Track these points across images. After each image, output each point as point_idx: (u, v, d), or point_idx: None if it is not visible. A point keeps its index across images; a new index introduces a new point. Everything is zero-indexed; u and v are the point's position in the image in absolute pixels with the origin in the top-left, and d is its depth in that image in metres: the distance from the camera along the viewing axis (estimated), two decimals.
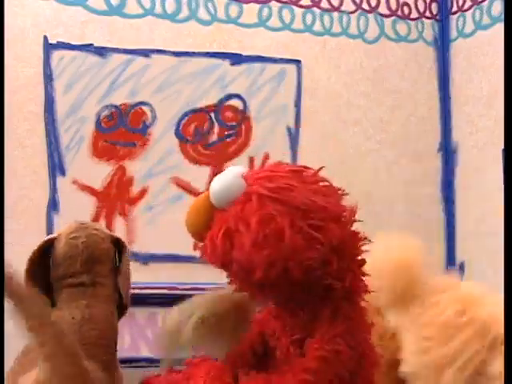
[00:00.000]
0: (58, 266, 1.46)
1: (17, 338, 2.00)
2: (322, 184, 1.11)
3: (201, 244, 1.14)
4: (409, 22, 2.58)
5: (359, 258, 1.13)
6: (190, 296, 1.43)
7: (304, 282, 1.06)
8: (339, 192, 1.13)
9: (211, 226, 1.09)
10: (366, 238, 1.13)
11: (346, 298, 1.09)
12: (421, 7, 2.60)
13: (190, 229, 1.15)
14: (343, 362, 1.04)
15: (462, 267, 2.42)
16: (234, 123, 2.35)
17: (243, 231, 1.03)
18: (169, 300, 2.05)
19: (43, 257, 1.48)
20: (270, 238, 1.02)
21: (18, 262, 2.08)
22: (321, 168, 1.14)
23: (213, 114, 2.33)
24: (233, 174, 1.12)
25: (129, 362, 1.91)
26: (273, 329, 1.15)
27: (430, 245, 2.44)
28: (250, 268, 1.03)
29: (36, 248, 1.49)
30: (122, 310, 1.47)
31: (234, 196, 1.08)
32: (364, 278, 1.13)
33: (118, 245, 1.51)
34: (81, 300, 1.41)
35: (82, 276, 1.42)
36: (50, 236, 1.51)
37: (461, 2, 2.53)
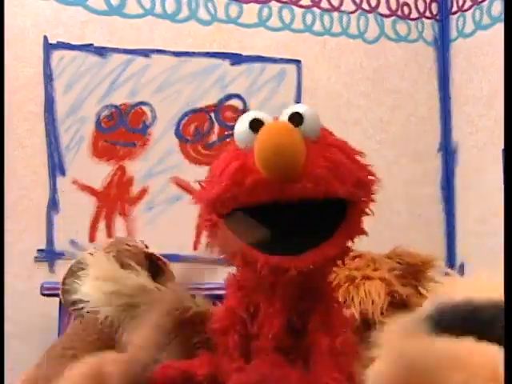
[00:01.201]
0: None
1: (17, 338, 2.02)
2: None
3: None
4: (409, 21, 2.58)
5: None
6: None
7: None
8: None
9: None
10: None
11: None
12: (421, 7, 2.60)
13: (296, 162, 0.95)
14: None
15: (462, 267, 2.42)
16: (233, 123, 2.34)
17: (358, 155, 1.09)
18: None
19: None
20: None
21: (18, 261, 2.09)
22: None
23: (213, 114, 2.33)
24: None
25: None
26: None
27: (430, 245, 2.46)
28: None
29: (76, 260, 1.55)
30: None
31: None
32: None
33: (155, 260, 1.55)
34: None
35: None
36: (89, 251, 1.56)
37: (461, 2, 2.53)
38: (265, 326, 1.04)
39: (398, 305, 1.56)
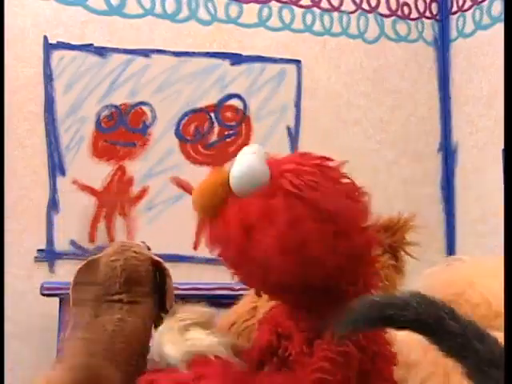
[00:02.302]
0: (100, 283, 1.51)
1: (17, 338, 2.02)
2: (344, 181, 1.06)
3: (206, 229, 1.07)
4: (409, 21, 2.58)
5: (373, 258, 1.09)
6: (191, 296, 1.44)
7: (321, 288, 1.02)
8: (359, 190, 1.08)
9: (224, 212, 1.01)
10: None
11: (356, 297, 1.07)
12: (421, 7, 2.60)
13: (199, 208, 1.06)
14: (351, 364, 1.03)
15: None
16: (233, 123, 2.35)
17: (267, 230, 0.97)
18: None
19: (90, 272, 1.53)
20: (295, 244, 0.97)
21: (18, 261, 2.09)
22: (344, 162, 1.07)
23: (213, 114, 2.33)
24: (259, 160, 1.03)
25: None
26: (286, 327, 1.10)
27: (430, 245, 2.46)
28: (266, 270, 0.98)
29: (81, 265, 1.55)
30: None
31: (257, 186, 1.00)
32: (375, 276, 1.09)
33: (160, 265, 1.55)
34: (116, 314, 1.45)
35: (121, 295, 1.46)
36: (96, 256, 1.56)
37: (461, 2, 2.53)
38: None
39: None
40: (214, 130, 2.33)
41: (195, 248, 2.23)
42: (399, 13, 2.57)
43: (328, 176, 1.03)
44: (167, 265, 2.16)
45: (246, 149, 1.07)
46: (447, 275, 1.39)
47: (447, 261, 1.46)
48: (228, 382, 1.04)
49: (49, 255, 2.14)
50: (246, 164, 1.02)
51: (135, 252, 1.54)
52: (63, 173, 2.19)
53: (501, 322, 1.16)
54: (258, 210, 0.99)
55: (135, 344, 1.43)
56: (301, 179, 1.00)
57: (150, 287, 1.50)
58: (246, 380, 1.05)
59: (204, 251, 2.33)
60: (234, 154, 2.36)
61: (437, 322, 0.83)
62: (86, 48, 2.23)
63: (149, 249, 1.76)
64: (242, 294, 1.46)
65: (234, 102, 2.35)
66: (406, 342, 1.10)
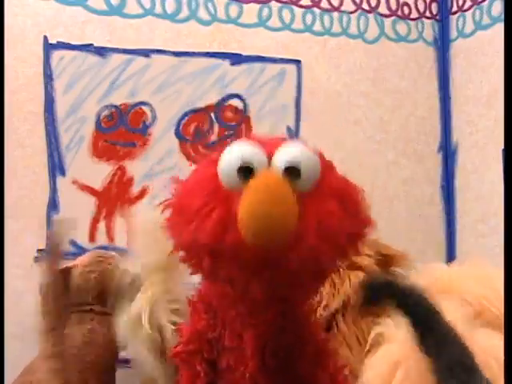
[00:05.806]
0: (72, 293, 1.50)
1: (17, 338, 2.02)
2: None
3: (285, 240, 0.87)
4: (409, 22, 2.58)
5: None
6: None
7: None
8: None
9: (303, 215, 0.86)
10: None
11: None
12: (421, 7, 2.60)
13: (283, 226, 0.84)
14: None
15: None
16: (233, 123, 2.35)
17: (357, 202, 0.96)
18: None
19: (63, 281, 1.52)
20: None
21: (17, 262, 2.09)
22: None
23: (213, 114, 2.33)
24: (304, 146, 0.94)
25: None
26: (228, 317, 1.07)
27: (430, 245, 2.46)
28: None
29: (52, 274, 1.53)
30: None
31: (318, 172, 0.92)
32: None
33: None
34: (86, 325, 1.44)
35: (93, 305, 1.45)
36: (69, 264, 1.54)
37: (461, 2, 2.53)
38: (239, 363, 1.00)
39: None
40: (214, 129, 2.33)
41: None
42: (399, 13, 2.57)
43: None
44: None
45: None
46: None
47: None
48: None
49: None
50: (305, 156, 0.92)
51: (111, 264, 1.53)
52: (63, 173, 2.19)
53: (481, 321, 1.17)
54: (344, 188, 0.96)
55: (107, 355, 1.41)
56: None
57: (123, 298, 1.49)
58: None
59: None
60: None
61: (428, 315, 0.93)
62: (86, 48, 2.23)
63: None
64: None
65: (234, 101, 2.36)
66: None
